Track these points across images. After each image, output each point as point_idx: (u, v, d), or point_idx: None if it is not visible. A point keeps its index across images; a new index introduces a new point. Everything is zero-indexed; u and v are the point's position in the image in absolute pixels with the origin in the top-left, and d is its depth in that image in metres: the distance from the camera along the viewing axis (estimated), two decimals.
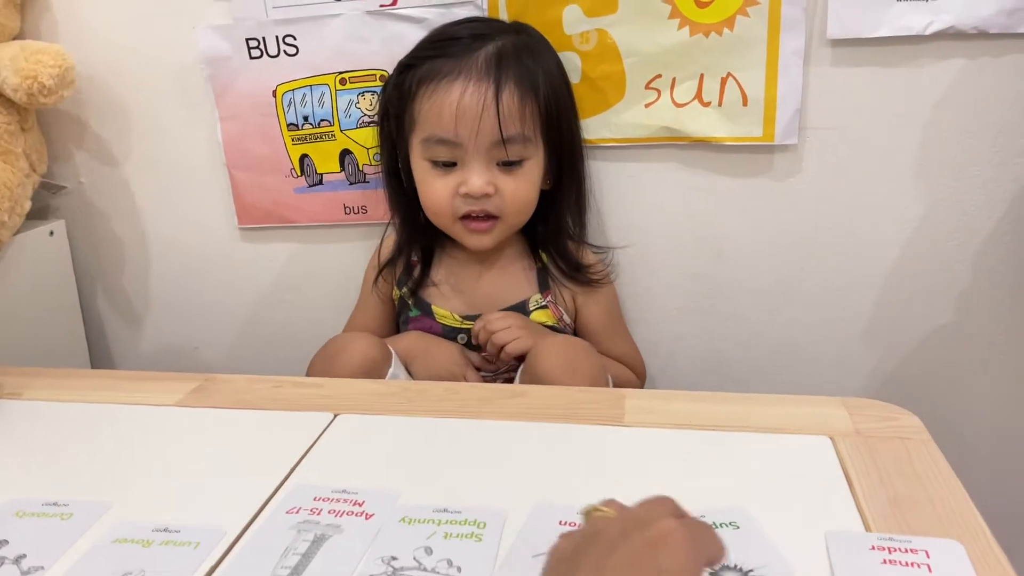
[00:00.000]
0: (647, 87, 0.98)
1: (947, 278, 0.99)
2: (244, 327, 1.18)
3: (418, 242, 1.02)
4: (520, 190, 0.93)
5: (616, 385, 0.99)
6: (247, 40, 1.03)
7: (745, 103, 0.96)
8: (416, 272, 1.01)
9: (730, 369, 1.08)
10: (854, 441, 0.69)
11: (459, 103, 0.88)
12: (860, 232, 0.99)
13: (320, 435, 0.73)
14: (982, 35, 0.90)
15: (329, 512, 0.61)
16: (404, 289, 1.02)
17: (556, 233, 1.00)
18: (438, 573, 0.55)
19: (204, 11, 1.03)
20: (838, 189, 0.98)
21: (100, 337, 1.23)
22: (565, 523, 0.60)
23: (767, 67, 0.95)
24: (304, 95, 1.05)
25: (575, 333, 1.03)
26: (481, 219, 0.94)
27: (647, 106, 0.99)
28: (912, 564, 0.54)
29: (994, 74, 0.91)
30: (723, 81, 0.96)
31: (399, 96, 0.94)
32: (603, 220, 1.04)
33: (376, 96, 1.02)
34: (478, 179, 0.91)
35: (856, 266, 1.01)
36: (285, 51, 1.04)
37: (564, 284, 1.00)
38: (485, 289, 1.00)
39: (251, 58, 1.04)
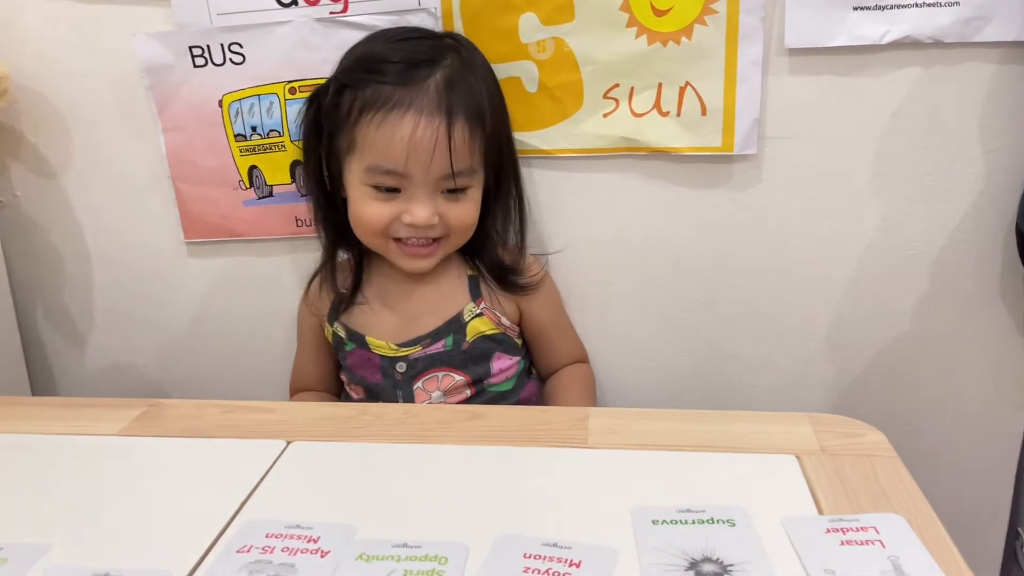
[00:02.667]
0: (605, 96, 0.97)
1: (904, 288, 0.99)
2: (193, 344, 1.14)
3: (349, 259, 0.99)
4: (465, 215, 0.92)
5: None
6: (190, 48, 0.99)
7: (704, 113, 0.95)
8: (347, 295, 0.98)
9: (686, 381, 1.07)
10: (820, 459, 0.69)
11: (411, 138, 0.85)
12: (818, 242, 0.99)
13: (272, 464, 0.70)
14: (937, 44, 0.90)
15: (282, 550, 0.59)
16: (336, 324, 0.99)
17: (490, 244, 0.98)
18: None
19: (144, 18, 0.99)
20: (797, 199, 0.97)
21: (40, 357, 1.18)
22: (529, 555, 0.58)
23: (725, 76, 0.94)
24: (252, 105, 1.01)
25: (521, 336, 1.02)
26: (421, 245, 0.92)
27: (605, 116, 0.97)
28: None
29: (949, 83, 0.91)
30: (681, 91, 0.95)
31: (335, 116, 0.90)
32: (560, 229, 1.02)
33: None
34: (424, 211, 0.88)
35: (814, 277, 1.00)
36: (231, 59, 1.00)
37: (500, 293, 0.98)
38: (418, 305, 0.97)
39: (195, 67, 1.00)
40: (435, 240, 0.92)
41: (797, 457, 0.69)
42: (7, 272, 1.12)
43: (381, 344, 0.96)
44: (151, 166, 1.06)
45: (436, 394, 0.96)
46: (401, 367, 0.96)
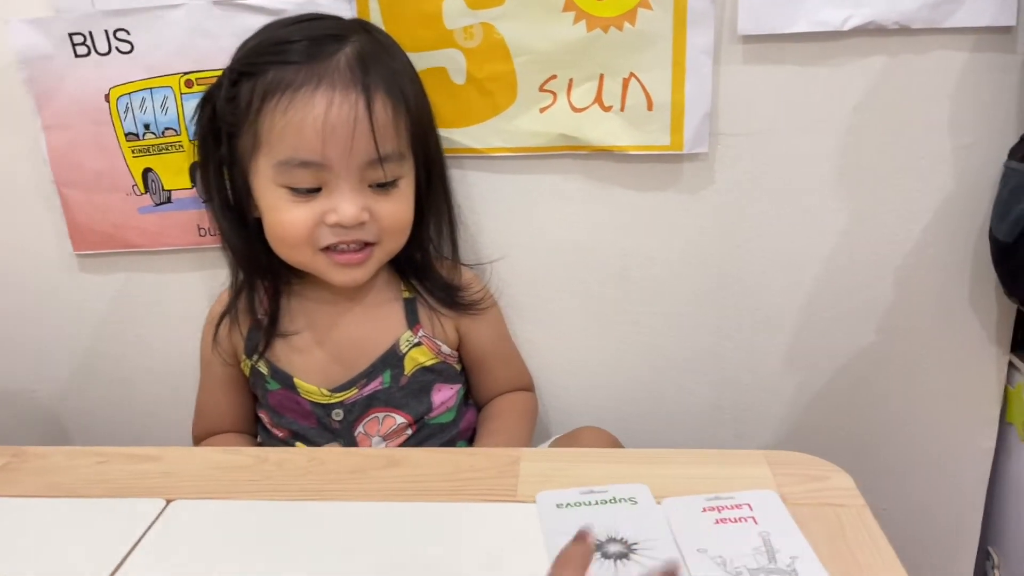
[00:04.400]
0: (541, 89, 0.87)
1: (869, 296, 0.91)
2: (87, 365, 1.02)
3: (263, 287, 0.86)
4: (398, 211, 0.81)
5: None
6: (71, 35, 0.87)
7: (650, 107, 0.86)
8: (264, 328, 0.86)
9: (637, 400, 0.98)
10: None
11: (325, 118, 0.73)
12: (776, 248, 0.90)
13: (147, 531, 0.60)
14: (904, 31, 0.81)
15: None
16: (255, 357, 0.86)
17: (425, 257, 0.87)
18: None
19: (17, 2, 0.86)
20: (753, 201, 0.89)
21: None
22: None
23: (673, 66, 0.84)
24: (143, 99, 0.90)
25: (460, 362, 0.92)
26: (352, 251, 0.80)
27: (542, 111, 0.87)
28: None
29: (916, 73, 0.83)
30: (625, 83, 0.85)
31: (233, 112, 0.78)
32: (494, 237, 0.93)
33: None
34: (350, 206, 0.76)
35: (773, 285, 0.92)
36: (118, 48, 0.88)
37: (442, 312, 0.87)
38: (348, 334, 0.86)
39: (77, 56, 0.88)
40: (367, 245, 0.80)
41: None
42: None
43: (312, 389, 0.85)
44: (32, 169, 0.94)
45: (376, 440, 0.86)
46: (338, 414, 0.85)
